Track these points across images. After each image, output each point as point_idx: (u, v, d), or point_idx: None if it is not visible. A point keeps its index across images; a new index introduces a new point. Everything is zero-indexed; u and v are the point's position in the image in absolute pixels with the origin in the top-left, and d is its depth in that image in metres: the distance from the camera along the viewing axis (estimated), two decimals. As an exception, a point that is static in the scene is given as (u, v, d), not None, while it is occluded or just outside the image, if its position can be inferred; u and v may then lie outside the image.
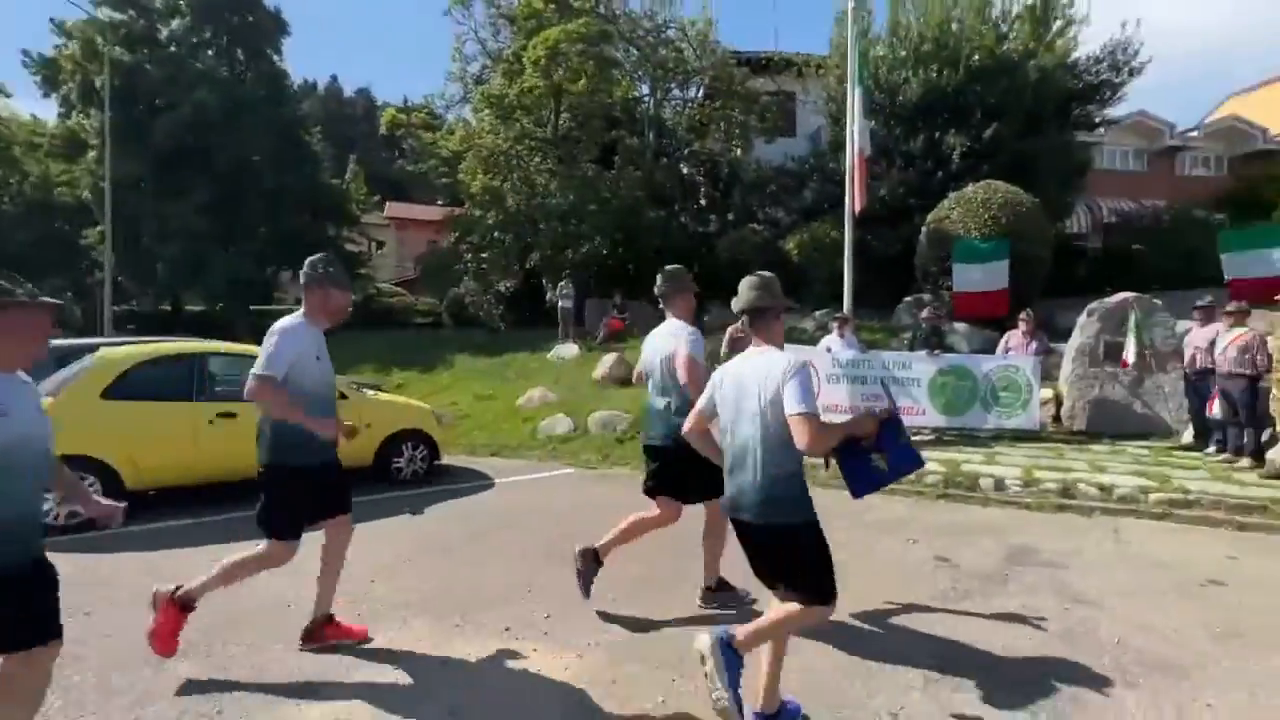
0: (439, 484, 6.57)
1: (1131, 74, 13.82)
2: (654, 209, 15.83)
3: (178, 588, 2.75)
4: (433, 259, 20.04)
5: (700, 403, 2.59)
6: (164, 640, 2.70)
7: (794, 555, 2.30)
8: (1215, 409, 6.50)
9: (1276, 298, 6.20)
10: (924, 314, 8.65)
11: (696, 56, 17.45)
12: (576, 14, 14.58)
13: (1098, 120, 15.19)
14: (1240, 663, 2.91)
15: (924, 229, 11.85)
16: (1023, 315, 8.30)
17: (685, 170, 19.16)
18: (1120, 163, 20.56)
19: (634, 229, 14.89)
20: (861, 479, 2.41)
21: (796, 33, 38.99)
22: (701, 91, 18.43)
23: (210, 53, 21.70)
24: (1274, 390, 6.07)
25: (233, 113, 19.41)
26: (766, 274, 2.51)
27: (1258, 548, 4.61)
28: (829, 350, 8.00)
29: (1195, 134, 21.29)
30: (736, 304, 2.46)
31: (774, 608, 2.33)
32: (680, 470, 3.19)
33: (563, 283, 12.63)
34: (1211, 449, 6.73)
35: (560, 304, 12.50)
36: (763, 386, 2.26)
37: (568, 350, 12.20)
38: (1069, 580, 3.92)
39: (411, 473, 6.62)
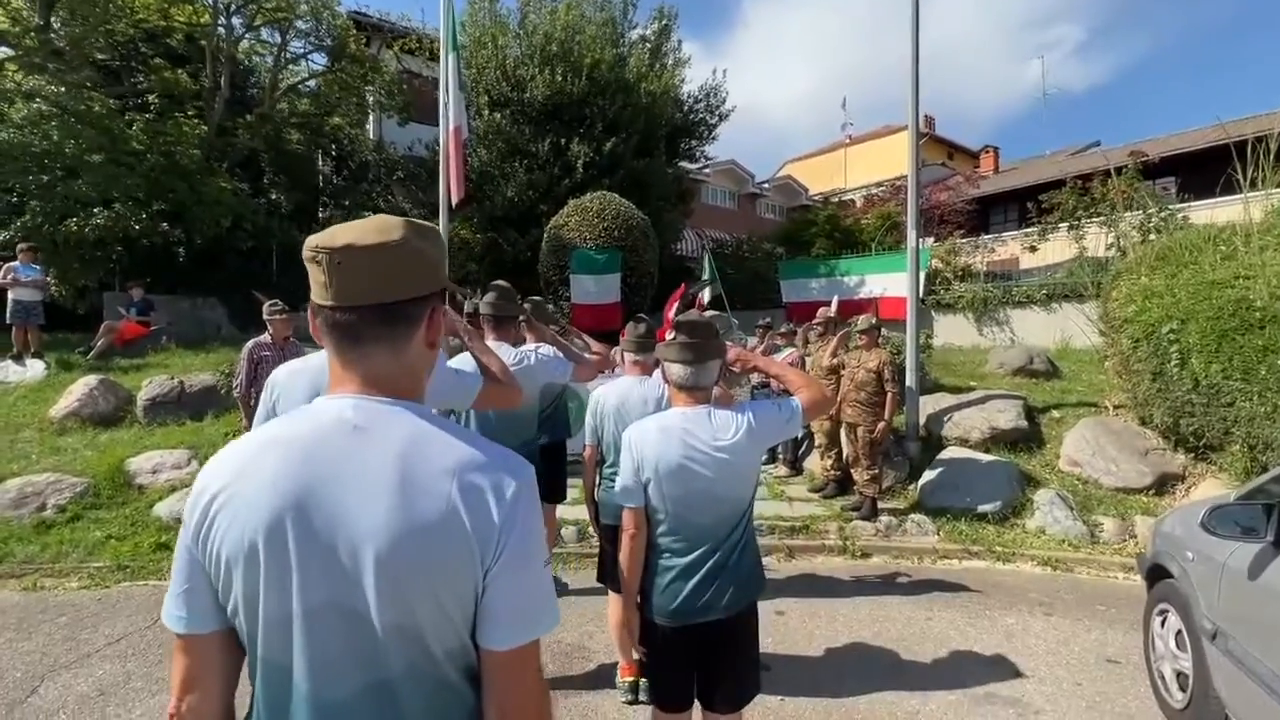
0: None
1: (722, 118, 15.83)
2: (227, 179, 11.91)
3: None
4: None
5: None
6: None
7: None
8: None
9: (815, 320, 6.84)
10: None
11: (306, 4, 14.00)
12: None
13: (699, 157, 17.13)
14: None
15: (545, 235, 11.19)
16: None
17: (296, 140, 15.40)
18: (720, 200, 24.43)
19: (187, 201, 10.81)
20: None
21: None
22: (323, 57, 15.07)
23: None
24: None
25: None
26: None
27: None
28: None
29: (766, 186, 26.63)
30: None
31: None
32: None
33: (15, 262, 7.96)
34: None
35: (12, 296, 7.84)
36: None
37: (28, 370, 7.82)
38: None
39: None
